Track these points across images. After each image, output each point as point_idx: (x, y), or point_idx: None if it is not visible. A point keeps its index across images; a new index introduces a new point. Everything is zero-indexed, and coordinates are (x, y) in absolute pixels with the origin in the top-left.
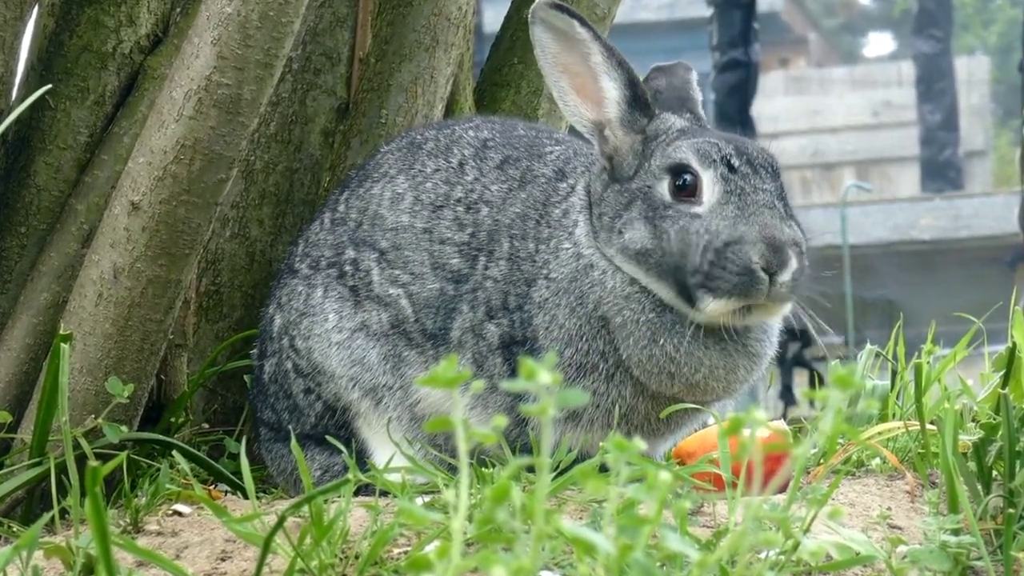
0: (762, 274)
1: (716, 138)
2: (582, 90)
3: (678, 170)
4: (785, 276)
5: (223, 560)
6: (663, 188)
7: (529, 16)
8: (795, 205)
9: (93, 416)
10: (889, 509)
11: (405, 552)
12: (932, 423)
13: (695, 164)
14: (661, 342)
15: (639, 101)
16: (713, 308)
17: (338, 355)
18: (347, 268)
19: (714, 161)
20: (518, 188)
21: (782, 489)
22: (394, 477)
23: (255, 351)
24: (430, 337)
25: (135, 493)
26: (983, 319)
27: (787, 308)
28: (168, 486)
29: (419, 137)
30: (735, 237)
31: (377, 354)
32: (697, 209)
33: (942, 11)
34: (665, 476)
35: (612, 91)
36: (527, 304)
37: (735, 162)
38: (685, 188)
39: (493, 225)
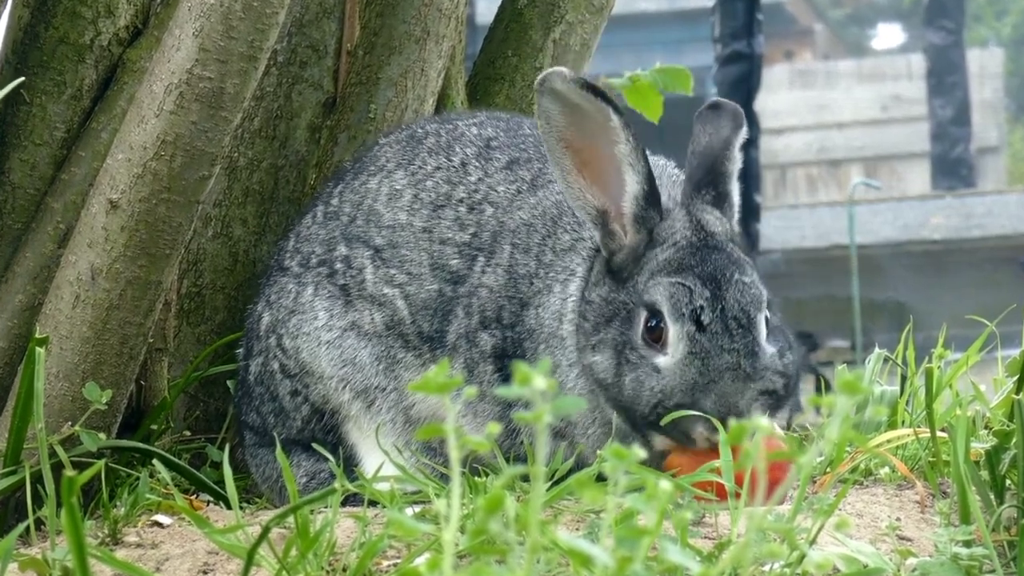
0: (704, 443)
1: (696, 276)
2: (590, 172)
3: (651, 311)
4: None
5: (205, 573)
6: (640, 321)
7: (537, 84)
8: (768, 340)
9: (70, 423)
10: (898, 520)
11: (395, 564)
12: (943, 430)
13: (665, 312)
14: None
15: (653, 196)
16: (661, 443)
17: (328, 355)
18: (338, 266)
19: (683, 315)
20: (528, 191)
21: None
22: (383, 486)
23: (241, 351)
24: (427, 339)
25: (114, 503)
26: (996, 322)
27: None
28: (148, 496)
29: (420, 131)
30: (687, 402)
31: (369, 354)
32: (659, 361)
33: (954, 1)
34: (665, 485)
35: (633, 185)
36: (519, 326)
37: (705, 318)
38: (653, 331)
39: (497, 226)
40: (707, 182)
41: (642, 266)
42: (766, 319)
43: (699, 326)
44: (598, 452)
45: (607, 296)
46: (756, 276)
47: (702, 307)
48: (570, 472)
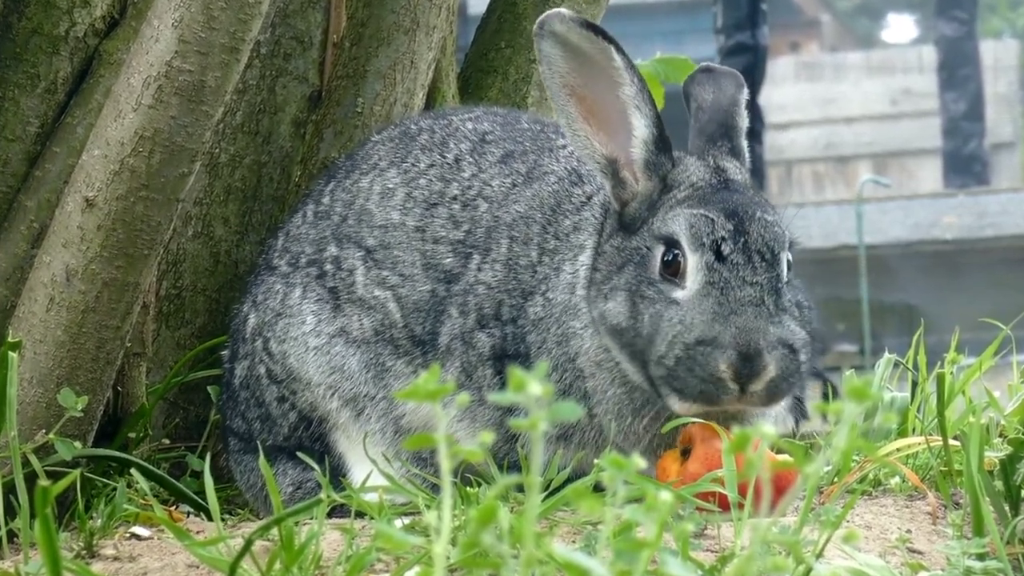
0: (731, 383)
1: (719, 210)
2: (596, 120)
3: (668, 243)
4: (757, 385)
5: None
6: (656, 258)
7: (536, 28)
8: (790, 297)
9: (44, 431)
10: (909, 532)
11: None
12: (956, 438)
13: (684, 243)
14: (629, 420)
15: (664, 142)
16: (679, 409)
17: (315, 361)
18: (328, 267)
19: (703, 244)
20: (524, 184)
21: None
22: (371, 496)
23: (226, 352)
24: (419, 344)
25: (90, 514)
26: (1011, 325)
27: (772, 409)
28: (125, 507)
29: (413, 127)
30: (708, 337)
31: (358, 361)
32: (677, 294)
33: None
34: (666, 496)
35: (641, 129)
36: (521, 319)
37: (726, 248)
38: (671, 265)
39: (492, 222)
40: (721, 134)
41: (657, 209)
42: (789, 263)
43: (719, 256)
44: (613, 423)
45: (620, 245)
46: (779, 217)
47: (723, 238)
48: (568, 480)
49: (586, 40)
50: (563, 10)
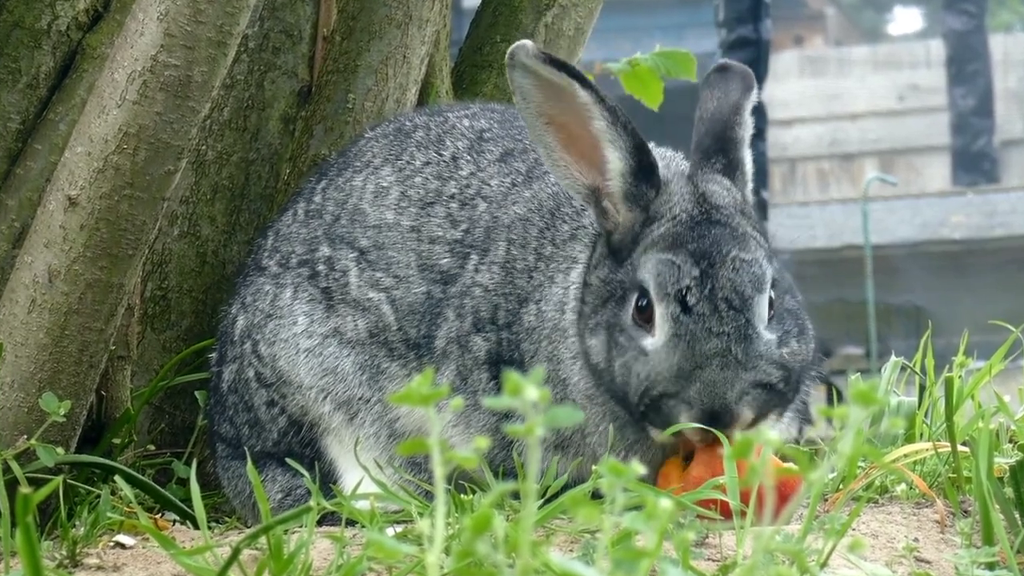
0: (692, 435)
1: (687, 253)
2: (575, 148)
3: (641, 290)
4: (736, 430)
5: None
6: (631, 302)
7: (507, 59)
8: (770, 326)
9: (25, 436)
10: (916, 540)
11: None
12: (964, 444)
13: (652, 291)
14: (623, 455)
15: (646, 171)
16: (662, 437)
17: (307, 363)
18: (320, 267)
19: (668, 295)
20: (523, 184)
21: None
22: (363, 504)
23: (213, 356)
24: (414, 347)
25: (72, 522)
26: (1021, 328)
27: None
28: (109, 515)
29: (408, 124)
30: (672, 391)
31: (352, 363)
32: (647, 343)
33: None
34: (665, 503)
35: (616, 162)
36: (516, 325)
37: (691, 299)
38: (643, 311)
39: (491, 222)
40: (716, 149)
41: (639, 242)
42: (770, 300)
43: (684, 307)
44: (608, 455)
45: (605, 277)
46: (762, 252)
47: (688, 287)
48: (566, 487)
49: (552, 75)
50: (527, 43)
